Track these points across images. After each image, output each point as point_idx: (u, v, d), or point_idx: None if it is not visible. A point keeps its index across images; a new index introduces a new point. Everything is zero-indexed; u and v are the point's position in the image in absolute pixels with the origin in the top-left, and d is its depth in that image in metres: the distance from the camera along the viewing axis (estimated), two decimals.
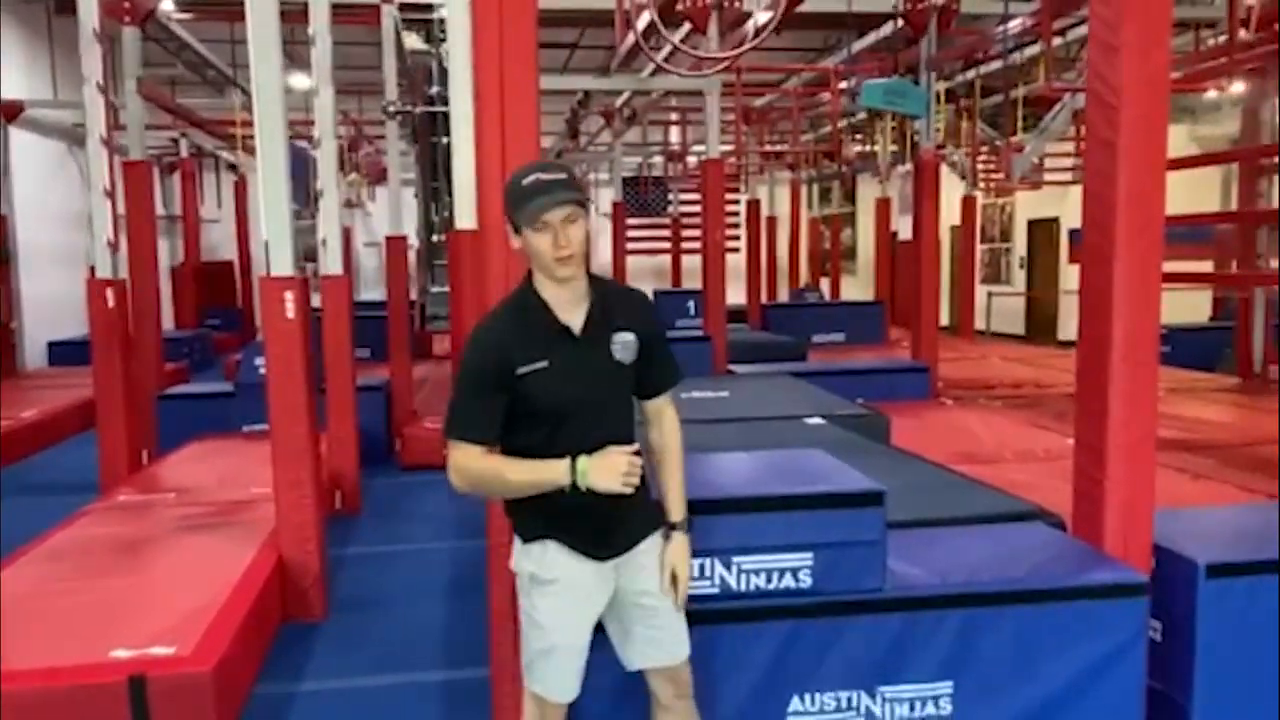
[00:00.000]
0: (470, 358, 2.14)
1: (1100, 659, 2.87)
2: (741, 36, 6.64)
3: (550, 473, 2.09)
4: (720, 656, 2.71)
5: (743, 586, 2.73)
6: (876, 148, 13.95)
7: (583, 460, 2.07)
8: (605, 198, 16.93)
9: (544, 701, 2.29)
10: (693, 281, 13.05)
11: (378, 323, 9.50)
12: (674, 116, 15.76)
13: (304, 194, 6.81)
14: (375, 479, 7.10)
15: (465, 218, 4.00)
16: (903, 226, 18.00)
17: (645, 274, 18.35)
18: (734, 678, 2.74)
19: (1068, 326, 13.02)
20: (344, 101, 14.83)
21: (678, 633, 2.34)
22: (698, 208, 11.61)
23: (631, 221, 15.24)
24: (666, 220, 17.55)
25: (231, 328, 17.28)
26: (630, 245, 14.83)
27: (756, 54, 13.37)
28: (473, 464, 2.11)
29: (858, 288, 20.36)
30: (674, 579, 2.30)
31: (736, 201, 15.82)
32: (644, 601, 2.29)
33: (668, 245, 17.86)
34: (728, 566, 2.71)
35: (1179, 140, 11.18)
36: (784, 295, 19.15)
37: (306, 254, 7.13)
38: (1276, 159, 8.13)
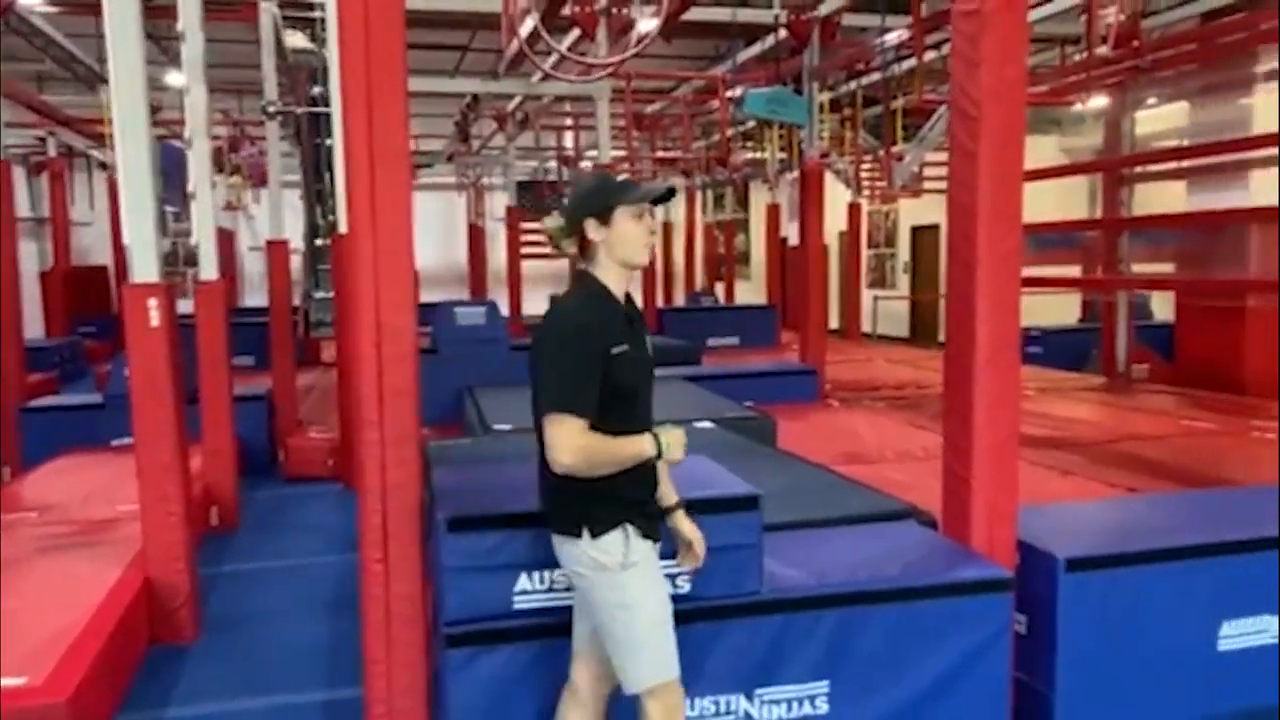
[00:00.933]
0: (573, 339, 2.21)
1: (968, 653, 2.97)
2: (629, 43, 6.66)
3: (644, 445, 2.24)
4: None
5: None
6: (766, 155, 14.21)
7: (662, 435, 2.25)
8: (499, 202, 16.79)
9: (667, 689, 2.29)
10: None
11: (263, 329, 9.19)
12: (568, 121, 15.73)
13: (181, 196, 6.52)
14: (257, 492, 6.85)
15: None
16: (793, 232, 18.39)
17: (543, 279, 18.22)
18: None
19: None
20: (224, 100, 14.36)
21: None
22: None
23: (529, 225, 15.13)
24: None
25: (105, 336, 16.44)
26: (527, 250, 14.70)
27: (646, 61, 13.47)
28: (583, 439, 2.17)
29: (752, 292, 20.68)
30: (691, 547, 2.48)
31: None
32: None
33: None
34: None
35: (1049, 151, 11.74)
36: (681, 300, 19.35)
37: (187, 258, 6.85)
38: (1136, 169, 8.60)
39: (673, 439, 2.26)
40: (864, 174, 13.42)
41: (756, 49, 10.26)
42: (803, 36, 8.40)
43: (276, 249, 8.14)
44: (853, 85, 10.87)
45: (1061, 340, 11.33)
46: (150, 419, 4.14)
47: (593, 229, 2.28)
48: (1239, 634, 3.33)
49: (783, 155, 13.62)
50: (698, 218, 20.28)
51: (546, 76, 7.87)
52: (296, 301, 9.08)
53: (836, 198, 14.47)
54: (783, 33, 8.66)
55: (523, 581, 2.63)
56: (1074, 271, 10.11)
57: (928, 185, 12.48)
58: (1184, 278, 8.89)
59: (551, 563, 2.61)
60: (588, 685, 2.47)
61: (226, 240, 17.98)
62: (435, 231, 20.39)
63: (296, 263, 10.39)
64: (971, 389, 3.12)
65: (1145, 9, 7.98)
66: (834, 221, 16.29)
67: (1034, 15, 8.23)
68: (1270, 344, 8.52)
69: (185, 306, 5.48)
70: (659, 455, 2.25)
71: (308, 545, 5.76)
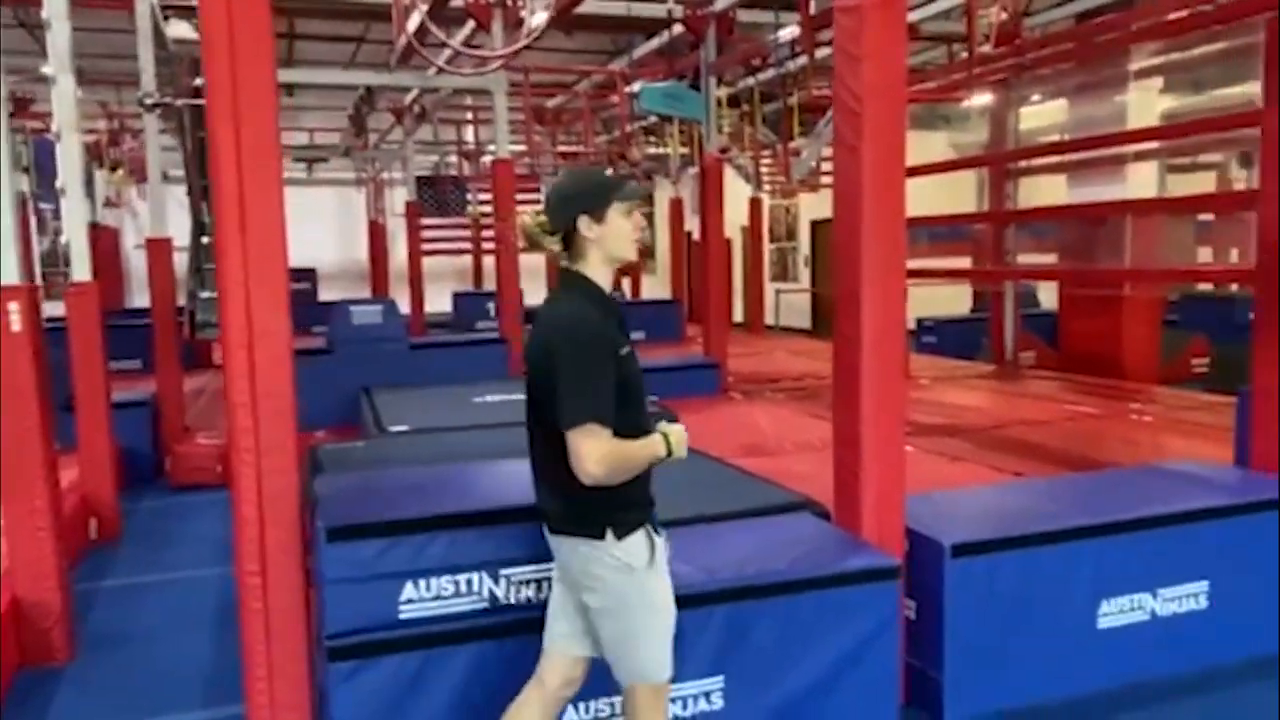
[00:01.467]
0: (588, 345, 2.19)
1: (859, 641, 3.01)
2: (521, 35, 6.57)
3: (657, 447, 2.24)
4: (491, 671, 2.64)
5: (513, 599, 2.68)
6: (668, 150, 14.24)
7: (669, 435, 2.24)
8: (398, 197, 16.45)
9: (662, 690, 2.34)
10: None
11: (150, 331, 8.81)
12: (468, 115, 15.49)
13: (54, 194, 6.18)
14: (141, 502, 6.55)
15: None
16: (696, 227, 18.53)
17: (446, 275, 17.96)
18: (507, 691, 2.67)
19: None
20: (102, 92, 13.71)
21: None
22: None
23: (430, 221, 14.84)
24: (466, 220, 17.25)
25: None
26: (429, 246, 14.43)
27: (546, 55, 13.38)
28: (610, 447, 2.15)
29: (658, 286, 20.76)
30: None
31: (537, 202, 15.74)
32: None
33: (469, 246, 17.55)
34: (496, 580, 2.65)
35: (939, 146, 12.06)
36: None
37: (68, 257, 6.47)
38: (1020, 164, 8.89)
39: (676, 436, 2.26)
40: (764, 169, 13.57)
41: (655, 44, 10.27)
42: (699, 32, 8.44)
43: (158, 247, 7.79)
44: (751, 81, 10.96)
45: (955, 330, 11.69)
46: (14, 429, 3.89)
47: (586, 226, 2.27)
48: (1117, 611, 3.47)
49: (684, 151, 13.68)
50: None
51: (440, 70, 7.71)
52: (182, 302, 8.71)
53: (739, 193, 14.63)
54: (680, 28, 8.68)
55: (408, 590, 2.56)
56: (966, 263, 10.43)
57: (826, 180, 12.69)
58: (1065, 268, 9.25)
59: (439, 570, 2.56)
60: (557, 686, 2.43)
61: (110, 238, 17.19)
62: (335, 228, 19.86)
63: (183, 261, 9.97)
64: (859, 381, 3.17)
65: (1026, 8, 8.26)
66: (736, 216, 16.50)
67: (922, 14, 8.44)
68: (1146, 330, 8.96)
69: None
70: (669, 454, 2.25)
71: (194, 556, 5.53)
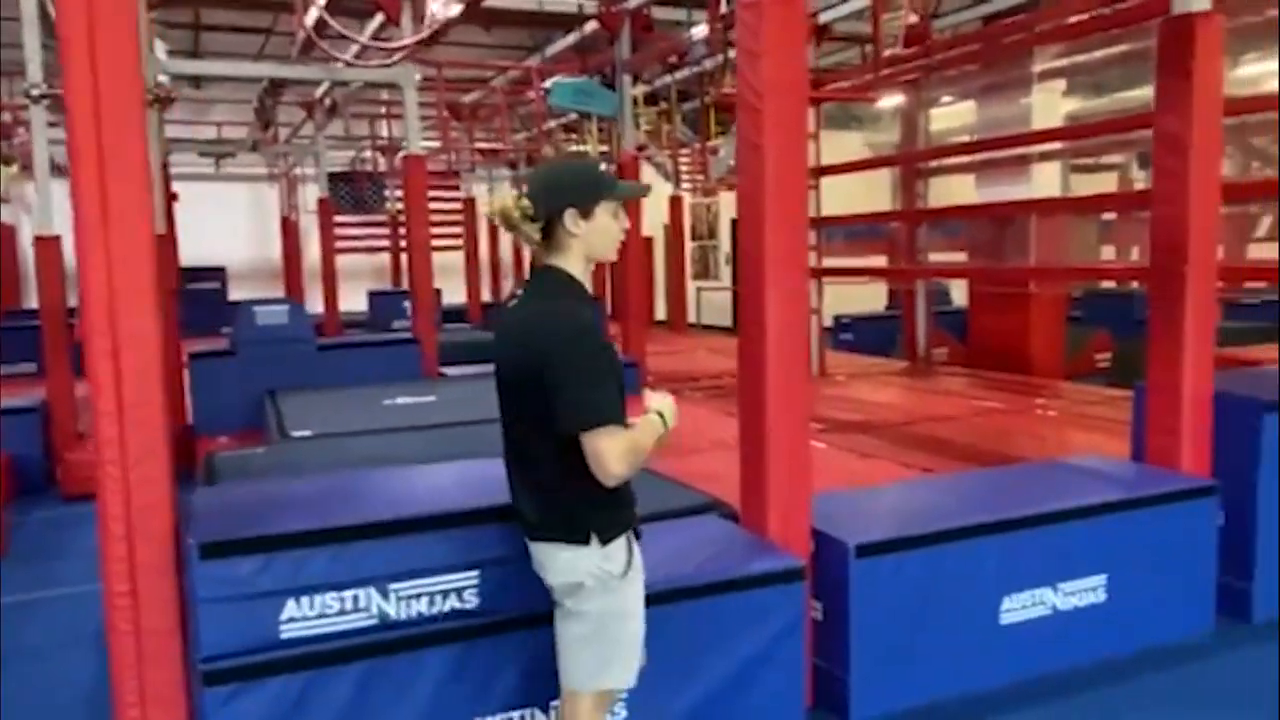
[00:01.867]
0: (593, 347, 2.15)
1: (765, 644, 2.98)
2: (431, 28, 6.41)
3: (655, 425, 2.22)
4: (380, 692, 2.53)
5: (404, 615, 2.56)
6: (587, 147, 14.14)
7: (661, 408, 2.23)
8: (312, 194, 16.01)
9: (608, 699, 2.36)
10: None
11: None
12: (381, 110, 15.15)
13: None
14: (30, 514, 6.24)
15: None
16: None
17: (363, 274, 17.55)
18: (397, 712, 2.57)
19: None
20: None
21: None
22: None
23: (346, 219, 14.45)
24: (384, 217, 16.88)
25: None
26: (346, 244, 14.04)
27: (462, 50, 13.15)
28: (626, 444, 2.11)
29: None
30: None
31: (458, 198, 15.43)
32: None
33: (386, 243, 17.19)
34: (385, 595, 2.53)
35: (853, 146, 12.22)
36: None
37: None
38: (931, 164, 9.04)
39: (668, 409, 2.25)
40: (683, 167, 13.57)
41: (572, 40, 10.14)
42: (614, 28, 8.37)
43: (46, 246, 7.41)
44: (669, 79, 10.94)
45: (871, 327, 11.85)
46: None
47: (572, 220, 2.20)
48: (1020, 607, 3.51)
49: (604, 149, 13.61)
50: None
51: (347, 63, 7.49)
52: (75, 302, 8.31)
53: (660, 191, 14.62)
54: (596, 24, 8.60)
55: (290, 609, 2.43)
56: (882, 261, 10.57)
57: None
58: (974, 266, 9.43)
59: (323, 586, 2.44)
60: None
61: (7, 235, 16.38)
62: (246, 226, 19.26)
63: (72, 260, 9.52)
64: (764, 380, 3.13)
65: (935, 10, 8.38)
66: (658, 214, 16.51)
67: (835, 14, 8.51)
68: (1051, 327, 9.18)
69: None
70: (666, 426, 2.23)
71: (85, 571, 5.18)
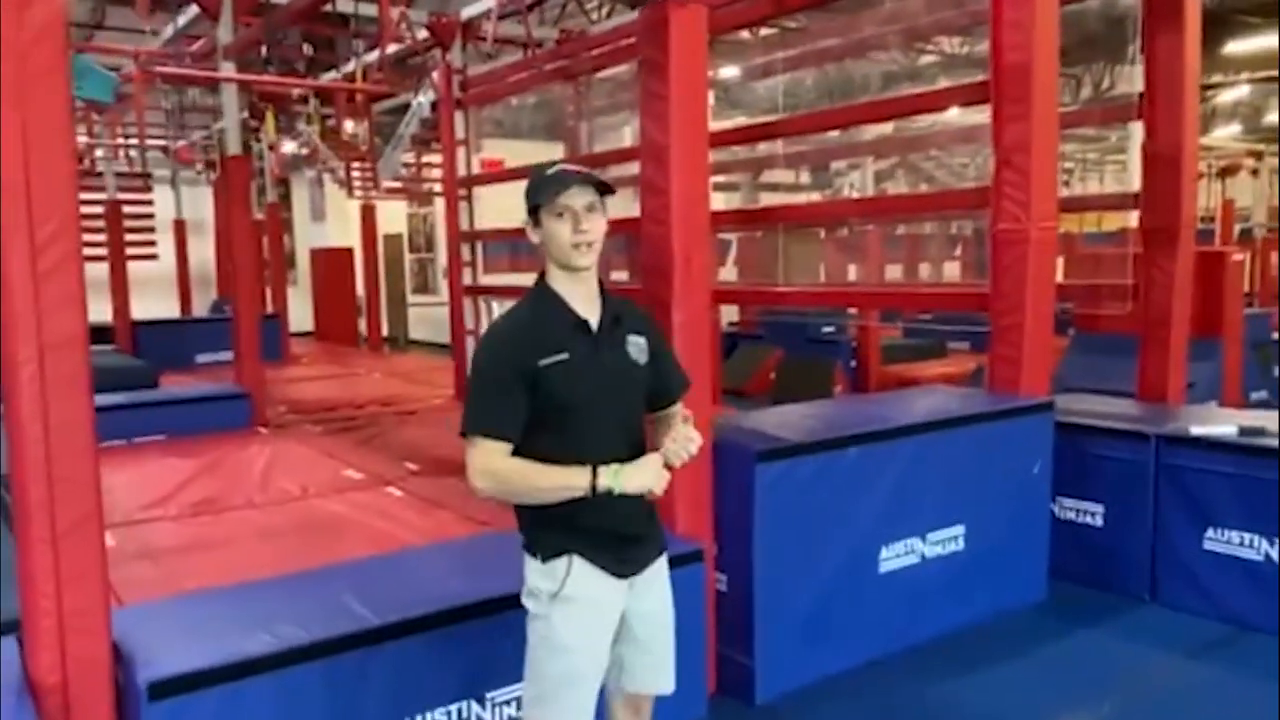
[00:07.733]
0: (488, 353, 2.12)
1: None
2: None
3: (573, 478, 2.04)
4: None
5: None
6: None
7: (614, 466, 2.04)
8: None
9: None
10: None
11: None
12: None
13: None
14: None
15: None
16: (315, 235, 17.17)
17: (156, 283, 14.80)
18: None
19: None
20: None
21: (667, 663, 2.30)
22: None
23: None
24: None
25: None
26: (133, 250, 11.78)
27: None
28: (497, 463, 2.05)
29: (301, 297, 18.83)
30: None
31: (150, 203, 13.20)
32: (645, 623, 2.24)
33: None
34: None
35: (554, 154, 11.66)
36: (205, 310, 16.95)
37: None
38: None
39: (630, 469, 2.04)
40: (355, 173, 12.68)
41: (184, 21, 8.70)
42: (214, 11, 7.34)
43: None
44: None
45: None
46: None
47: (530, 229, 2.17)
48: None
49: (305, 151, 12.22)
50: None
51: None
52: None
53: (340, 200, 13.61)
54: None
55: None
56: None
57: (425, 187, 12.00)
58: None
59: None
60: (620, 716, 2.32)
61: None
62: None
63: None
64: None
65: None
66: (353, 224, 15.33)
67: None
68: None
69: None
70: (594, 491, 2.02)
71: None
